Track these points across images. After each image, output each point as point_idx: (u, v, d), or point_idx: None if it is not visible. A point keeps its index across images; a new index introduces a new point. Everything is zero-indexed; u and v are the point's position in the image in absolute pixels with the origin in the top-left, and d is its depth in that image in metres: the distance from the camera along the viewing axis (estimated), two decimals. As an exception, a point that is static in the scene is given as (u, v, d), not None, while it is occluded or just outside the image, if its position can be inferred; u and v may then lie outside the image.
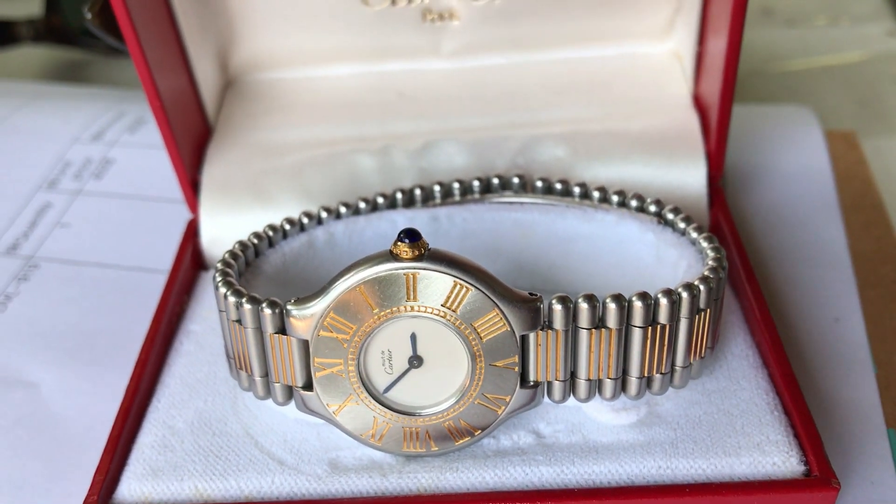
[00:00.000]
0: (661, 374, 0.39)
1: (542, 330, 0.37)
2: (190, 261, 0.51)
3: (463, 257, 0.37)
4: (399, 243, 0.36)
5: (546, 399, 0.39)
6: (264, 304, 0.38)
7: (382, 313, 0.37)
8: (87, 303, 0.55)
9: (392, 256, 0.36)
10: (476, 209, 0.47)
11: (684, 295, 0.38)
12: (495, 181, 0.48)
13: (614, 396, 0.39)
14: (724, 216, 0.50)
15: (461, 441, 0.39)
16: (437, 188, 0.48)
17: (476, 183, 0.48)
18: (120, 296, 0.56)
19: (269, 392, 0.40)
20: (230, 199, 0.52)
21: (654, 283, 0.43)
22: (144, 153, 0.66)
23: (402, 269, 0.36)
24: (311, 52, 0.57)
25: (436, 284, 0.36)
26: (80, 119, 0.70)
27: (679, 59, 0.56)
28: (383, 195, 0.48)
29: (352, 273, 0.36)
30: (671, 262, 0.43)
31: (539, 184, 0.48)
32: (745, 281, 0.46)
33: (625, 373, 0.38)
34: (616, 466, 0.38)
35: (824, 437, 0.44)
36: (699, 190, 0.51)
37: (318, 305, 0.37)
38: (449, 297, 0.36)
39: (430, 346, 0.38)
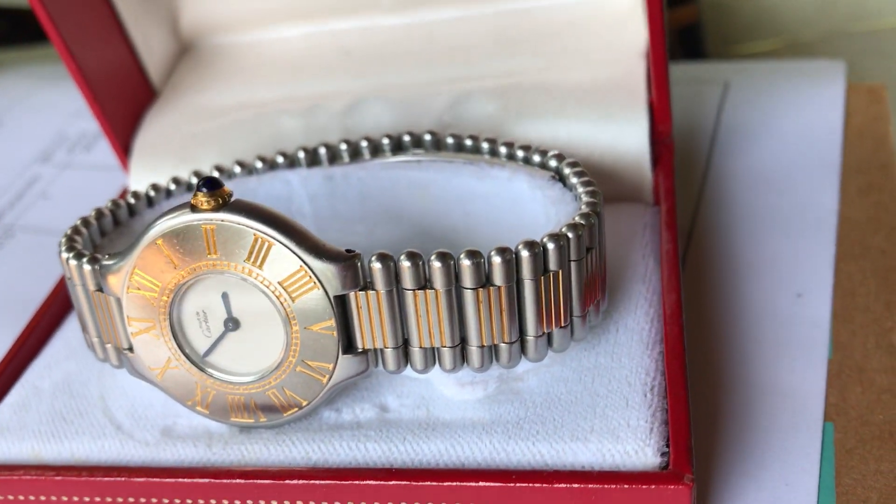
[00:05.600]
0: (508, 343, 0.34)
1: (362, 290, 0.33)
2: (118, 226, 0.50)
3: (268, 208, 0.34)
4: (197, 193, 0.33)
5: (381, 368, 0.35)
6: (85, 260, 0.36)
7: (185, 269, 0.34)
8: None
9: (191, 208, 0.33)
10: (372, 167, 0.43)
11: (524, 254, 0.33)
12: (406, 138, 0.45)
13: (455, 367, 0.34)
14: (665, 178, 0.44)
15: (289, 413, 0.36)
16: (343, 147, 0.45)
17: (386, 141, 0.45)
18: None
19: (106, 354, 0.38)
20: (157, 164, 0.51)
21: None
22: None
23: (200, 220, 0.33)
24: (262, 13, 0.55)
25: (236, 238, 0.33)
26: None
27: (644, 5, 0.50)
28: (283, 154, 0.45)
29: (151, 226, 0.34)
30: (555, 220, 0.38)
31: (450, 140, 0.44)
32: (666, 250, 0.40)
33: (464, 341, 0.34)
34: (447, 446, 0.34)
35: (753, 428, 0.38)
36: (639, 147, 0.45)
37: (125, 261, 0.35)
38: (251, 253, 0.33)
39: (244, 308, 0.35)
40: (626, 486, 0.31)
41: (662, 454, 0.32)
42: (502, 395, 0.36)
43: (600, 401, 0.34)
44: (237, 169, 0.45)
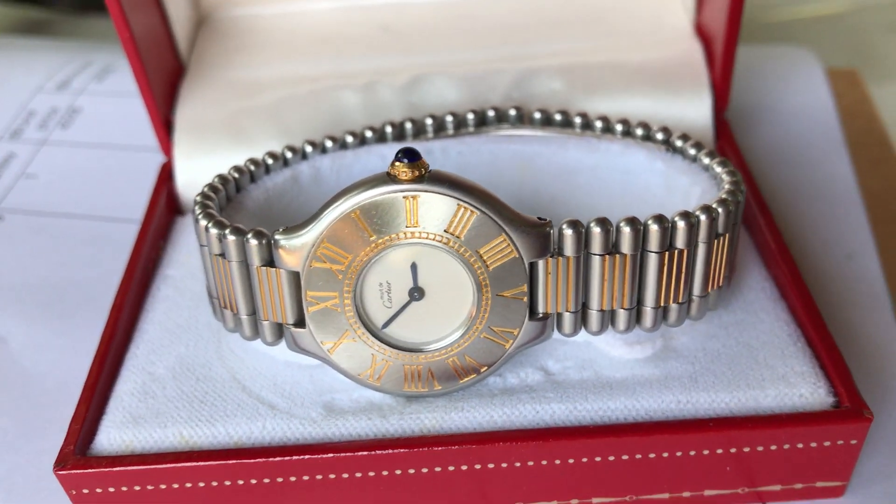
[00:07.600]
0: (678, 303, 0.36)
1: (551, 257, 0.34)
2: (165, 206, 0.48)
3: (467, 179, 0.34)
4: (397, 163, 0.33)
5: (556, 333, 0.36)
6: (250, 235, 0.35)
7: (380, 241, 0.34)
8: (56, 255, 0.52)
9: (389, 178, 0.33)
10: (472, 141, 0.44)
11: (702, 218, 0.35)
12: (491, 114, 0.45)
13: (628, 328, 0.36)
14: (732, 149, 0.48)
15: (466, 379, 0.36)
16: (428, 121, 0.45)
17: (471, 116, 0.45)
18: (91, 247, 0.52)
19: (257, 332, 0.37)
20: (206, 140, 0.48)
21: (665, 213, 0.40)
22: (113, 101, 0.62)
23: (401, 191, 0.33)
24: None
25: (438, 208, 0.33)
26: (44, 69, 0.66)
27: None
28: (371, 129, 0.45)
29: (346, 198, 0.33)
30: (682, 190, 0.40)
31: (537, 115, 0.45)
32: (757, 214, 0.44)
33: (639, 303, 0.36)
34: (632, 402, 0.36)
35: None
36: (704, 122, 0.48)
37: (310, 234, 0.34)
38: (452, 222, 0.33)
39: (433, 277, 0.35)
40: (817, 425, 0.34)
41: (833, 394, 0.36)
42: (663, 352, 0.38)
43: (758, 352, 0.38)
44: (329, 143, 0.44)
